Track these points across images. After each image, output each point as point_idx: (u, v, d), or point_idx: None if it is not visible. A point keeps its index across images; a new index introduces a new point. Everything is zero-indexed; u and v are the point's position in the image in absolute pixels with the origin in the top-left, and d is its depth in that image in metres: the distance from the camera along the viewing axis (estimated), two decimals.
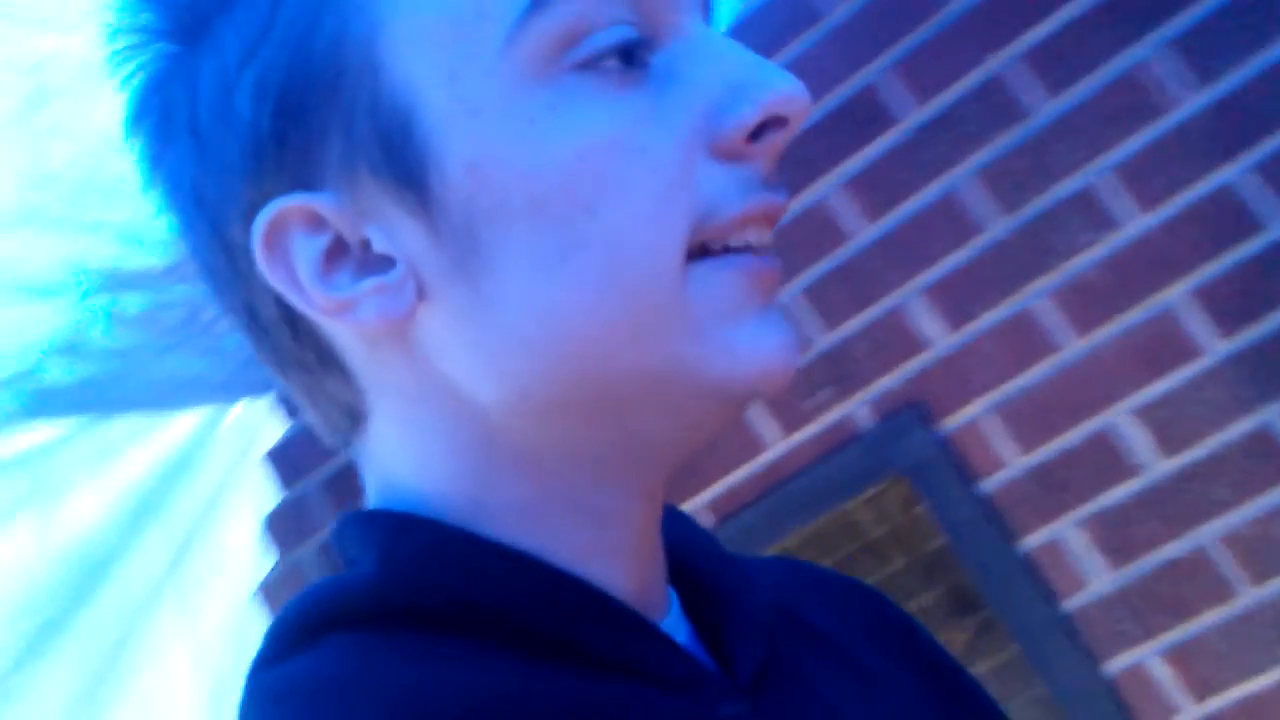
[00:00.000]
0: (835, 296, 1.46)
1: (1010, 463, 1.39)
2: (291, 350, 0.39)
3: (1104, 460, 1.35)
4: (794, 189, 1.48)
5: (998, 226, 1.39)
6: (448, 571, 0.37)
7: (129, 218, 0.85)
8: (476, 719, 0.34)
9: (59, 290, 0.90)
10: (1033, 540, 1.38)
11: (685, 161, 0.36)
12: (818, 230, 1.47)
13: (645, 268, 0.35)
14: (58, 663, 1.39)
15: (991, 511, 1.39)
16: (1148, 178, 1.33)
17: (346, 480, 1.64)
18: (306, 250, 0.36)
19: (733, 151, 0.37)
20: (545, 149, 0.35)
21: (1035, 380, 1.38)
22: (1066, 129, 1.36)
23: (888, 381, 1.44)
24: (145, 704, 1.45)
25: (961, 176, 1.40)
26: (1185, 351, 1.31)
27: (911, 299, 1.43)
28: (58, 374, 1.05)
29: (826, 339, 1.46)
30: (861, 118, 1.45)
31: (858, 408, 1.45)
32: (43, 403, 1.11)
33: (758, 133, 0.37)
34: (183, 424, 1.53)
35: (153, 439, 1.51)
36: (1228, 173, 1.30)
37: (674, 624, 0.41)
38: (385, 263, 0.37)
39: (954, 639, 2.10)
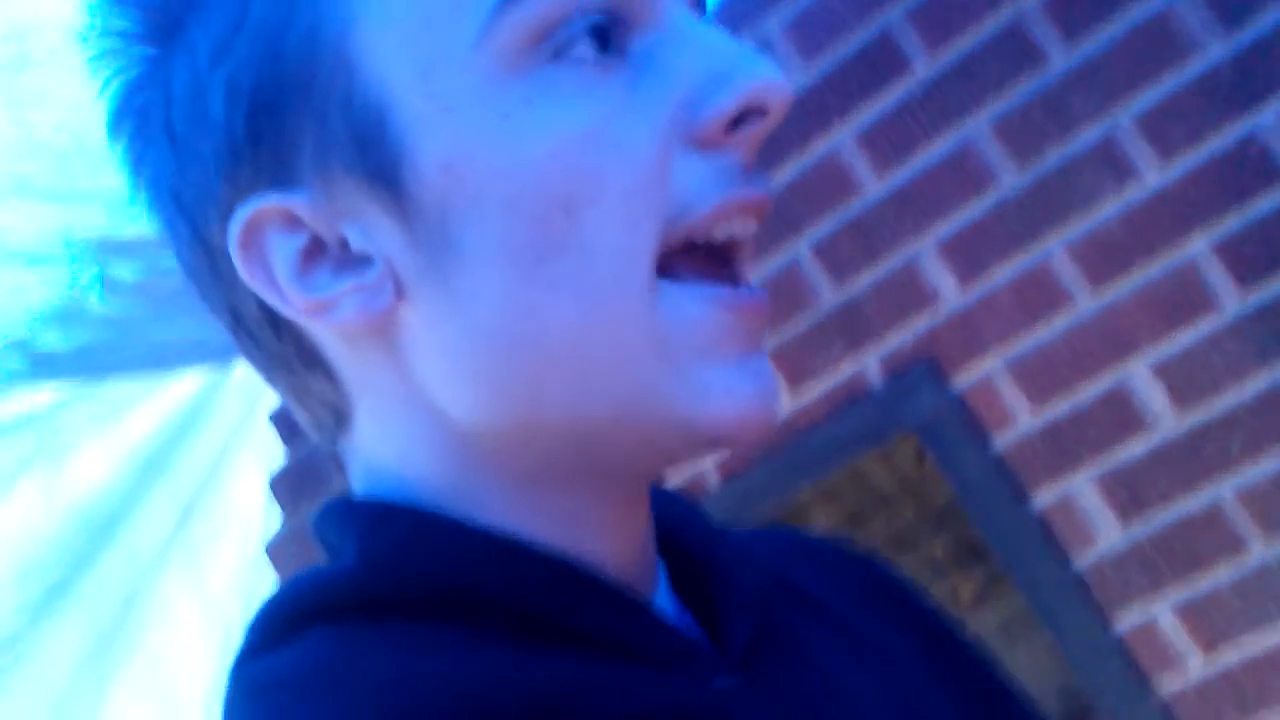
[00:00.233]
0: (846, 251, 1.43)
1: (1022, 419, 1.37)
2: (275, 351, 0.39)
3: (1118, 417, 1.33)
4: (805, 140, 1.44)
5: (1013, 178, 1.36)
6: (429, 558, 0.36)
7: (118, 185, 0.83)
8: (462, 707, 0.33)
9: (50, 259, 0.88)
10: (1044, 497, 1.37)
11: (661, 155, 0.35)
12: (828, 183, 1.44)
13: (615, 271, 0.35)
14: (66, 624, 1.40)
15: (1003, 469, 1.38)
16: (1169, 127, 1.29)
17: None
18: (283, 250, 0.36)
19: (711, 142, 0.36)
20: (519, 145, 0.34)
21: (1049, 336, 1.35)
22: (1086, 77, 1.32)
23: (899, 337, 1.42)
24: (154, 663, 1.46)
25: (977, 127, 1.37)
26: (1203, 306, 1.29)
27: (924, 253, 1.40)
28: (53, 341, 1.04)
29: (837, 294, 1.44)
30: (874, 67, 1.41)
31: (868, 364, 1.43)
32: (40, 368, 1.10)
33: (737, 122, 0.36)
34: (187, 383, 1.51)
35: (157, 399, 1.50)
36: (1252, 123, 1.26)
37: (662, 600, 0.41)
38: (363, 262, 0.36)
39: (962, 589, 2.11)
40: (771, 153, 1.44)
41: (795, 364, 1.45)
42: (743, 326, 0.37)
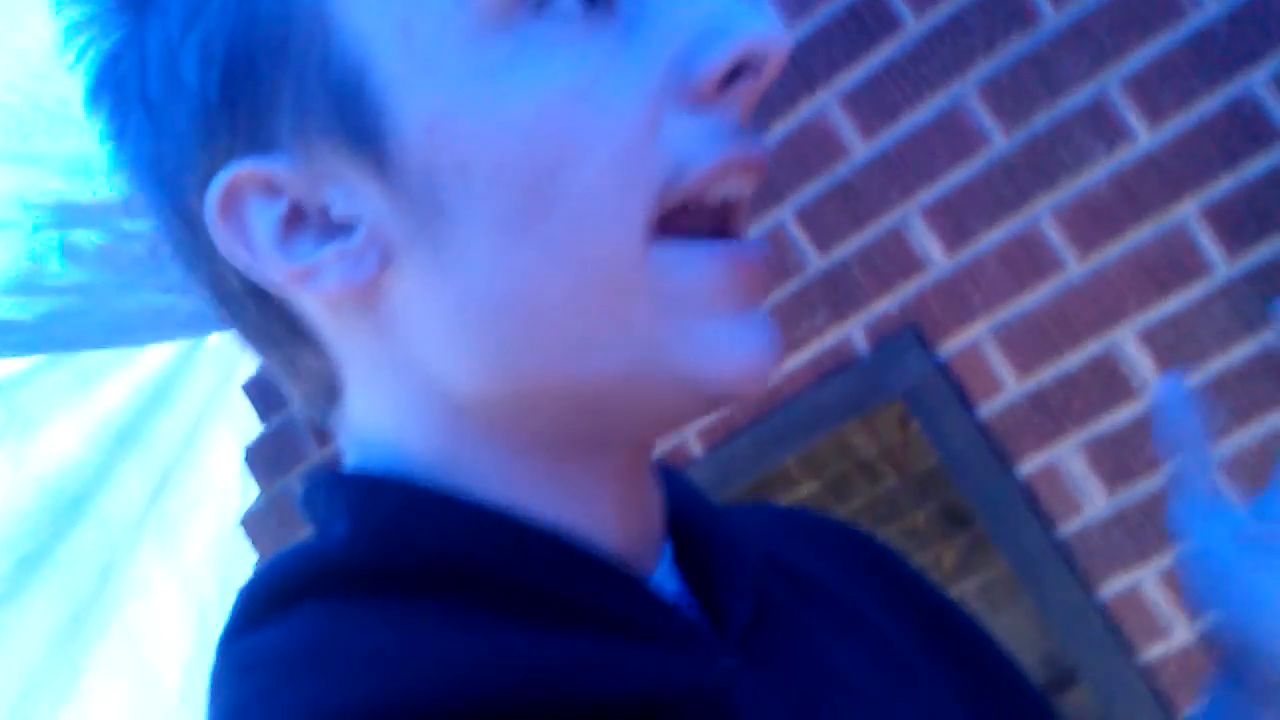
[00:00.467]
0: (831, 216, 1.41)
1: (1009, 387, 1.36)
2: (261, 324, 0.38)
3: (1105, 383, 1.32)
4: (790, 103, 1.41)
5: (1002, 142, 1.33)
6: (422, 532, 0.36)
7: (74, 147, 0.80)
8: (455, 683, 0.33)
9: (6, 224, 0.85)
10: (1030, 464, 1.36)
11: (652, 114, 0.34)
12: (813, 146, 1.41)
13: (607, 235, 0.34)
14: (39, 598, 1.38)
15: (989, 436, 1.37)
16: (1160, 89, 1.27)
17: None
18: (263, 218, 0.35)
19: (705, 99, 0.35)
20: (505, 105, 0.33)
21: (1037, 302, 1.34)
22: (1076, 38, 1.29)
23: (884, 304, 1.40)
24: (130, 638, 1.44)
25: (965, 89, 1.34)
26: (1192, 271, 1.27)
27: (911, 218, 1.38)
28: (14, 312, 1.00)
29: (821, 260, 1.42)
30: (860, 27, 1.38)
31: (853, 331, 1.41)
32: (3, 339, 1.07)
33: (730, 78, 0.35)
34: (159, 353, 1.48)
35: (129, 369, 1.47)
36: (1245, 83, 1.24)
37: (664, 577, 0.40)
38: (346, 228, 0.36)
39: (945, 556, 2.11)
40: (755, 116, 1.41)
41: (780, 331, 1.43)
42: (742, 281, 0.36)
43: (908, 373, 1.38)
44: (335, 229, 0.36)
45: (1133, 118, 1.29)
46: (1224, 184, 1.25)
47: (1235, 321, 1.26)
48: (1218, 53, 1.24)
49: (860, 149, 1.39)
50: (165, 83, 0.36)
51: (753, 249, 0.37)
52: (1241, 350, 1.26)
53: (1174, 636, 1.31)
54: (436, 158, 0.34)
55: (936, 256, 1.37)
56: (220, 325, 1.53)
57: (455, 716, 0.32)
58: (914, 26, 1.36)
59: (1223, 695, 0.45)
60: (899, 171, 1.38)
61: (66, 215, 0.90)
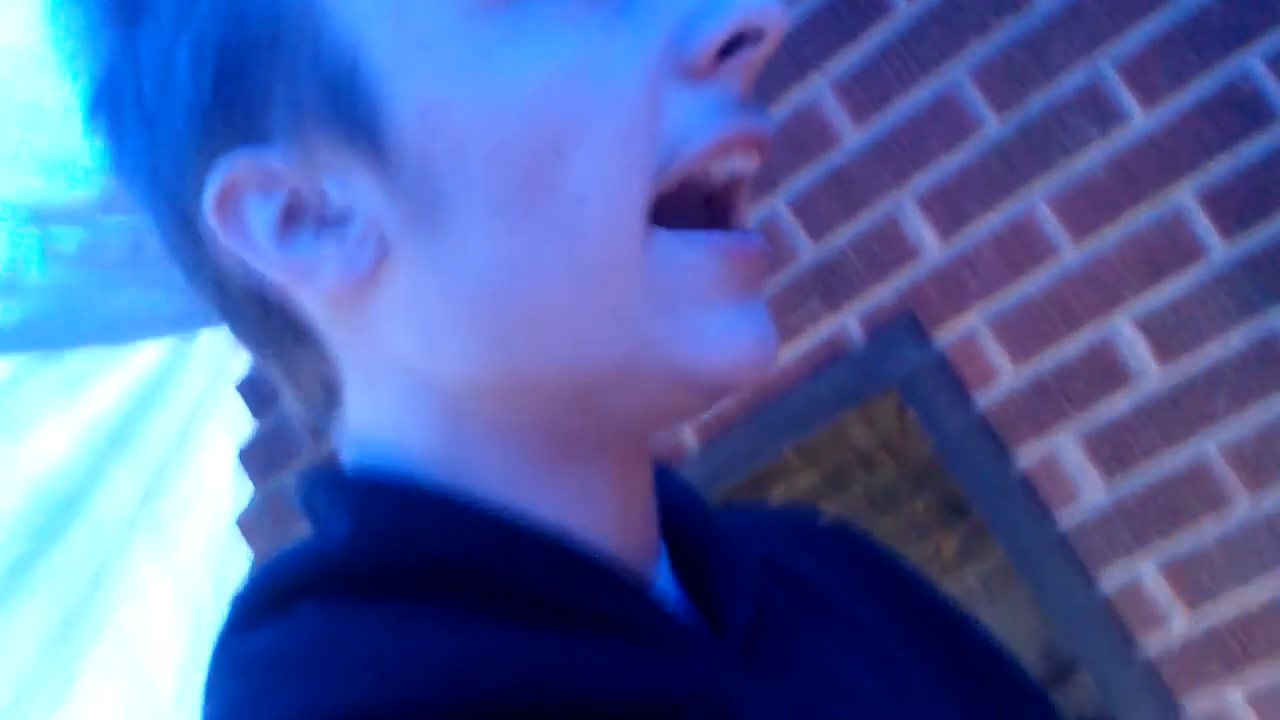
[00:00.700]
0: (824, 204, 1.40)
1: (1005, 375, 1.34)
2: (263, 324, 0.38)
3: (1102, 371, 1.30)
4: (781, 89, 1.40)
5: (995, 126, 1.32)
6: (422, 534, 0.36)
7: (50, 144, 0.78)
8: (452, 685, 0.33)
9: None
10: (1027, 454, 1.34)
11: (652, 90, 0.34)
12: (806, 133, 1.39)
13: (608, 217, 0.33)
14: (31, 601, 1.37)
15: (985, 426, 1.35)
16: (1155, 71, 1.25)
17: None
18: (261, 212, 0.35)
19: (703, 73, 0.34)
20: (501, 86, 0.33)
21: (1033, 289, 1.32)
22: (1069, 20, 1.27)
23: (879, 293, 1.38)
24: (123, 640, 1.43)
25: (958, 74, 1.32)
26: (1189, 256, 1.26)
27: (905, 206, 1.36)
28: None
29: (815, 250, 1.40)
30: (852, 11, 1.36)
31: (848, 321, 1.40)
32: None
33: (729, 50, 0.34)
34: (149, 354, 1.47)
35: (119, 370, 1.46)
36: (1240, 65, 1.22)
37: (664, 581, 0.40)
38: (344, 220, 0.35)
39: (945, 546, 2.10)
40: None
41: (774, 322, 1.41)
42: (740, 272, 0.36)
43: (903, 362, 1.37)
44: (334, 221, 0.35)
45: (1128, 100, 1.27)
46: (1220, 167, 1.24)
47: (1233, 307, 1.25)
48: (1213, 33, 1.23)
49: (853, 136, 1.38)
50: (160, 89, 0.36)
51: (750, 240, 0.36)
52: (1240, 336, 1.25)
53: (1174, 628, 1.29)
54: (432, 143, 0.33)
55: (931, 244, 1.36)
56: (211, 322, 1.52)
57: (453, 719, 0.32)
58: (906, 9, 1.34)
59: None
60: (893, 158, 1.36)
61: (45, 215, 0.89)
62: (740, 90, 0.35)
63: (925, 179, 1.35)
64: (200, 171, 0.36)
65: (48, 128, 0.76)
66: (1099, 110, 1.28)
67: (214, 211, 0.35)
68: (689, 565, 0.42)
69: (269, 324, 0.38)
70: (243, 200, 0.35)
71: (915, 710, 0.44)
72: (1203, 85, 1.24)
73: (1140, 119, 1.26)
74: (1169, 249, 1.27)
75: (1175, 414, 1.28)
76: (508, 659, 0.34)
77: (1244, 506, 1.26)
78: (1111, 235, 1.29)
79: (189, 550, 1.53)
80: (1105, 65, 1.27)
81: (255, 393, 1.62)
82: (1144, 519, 1.30)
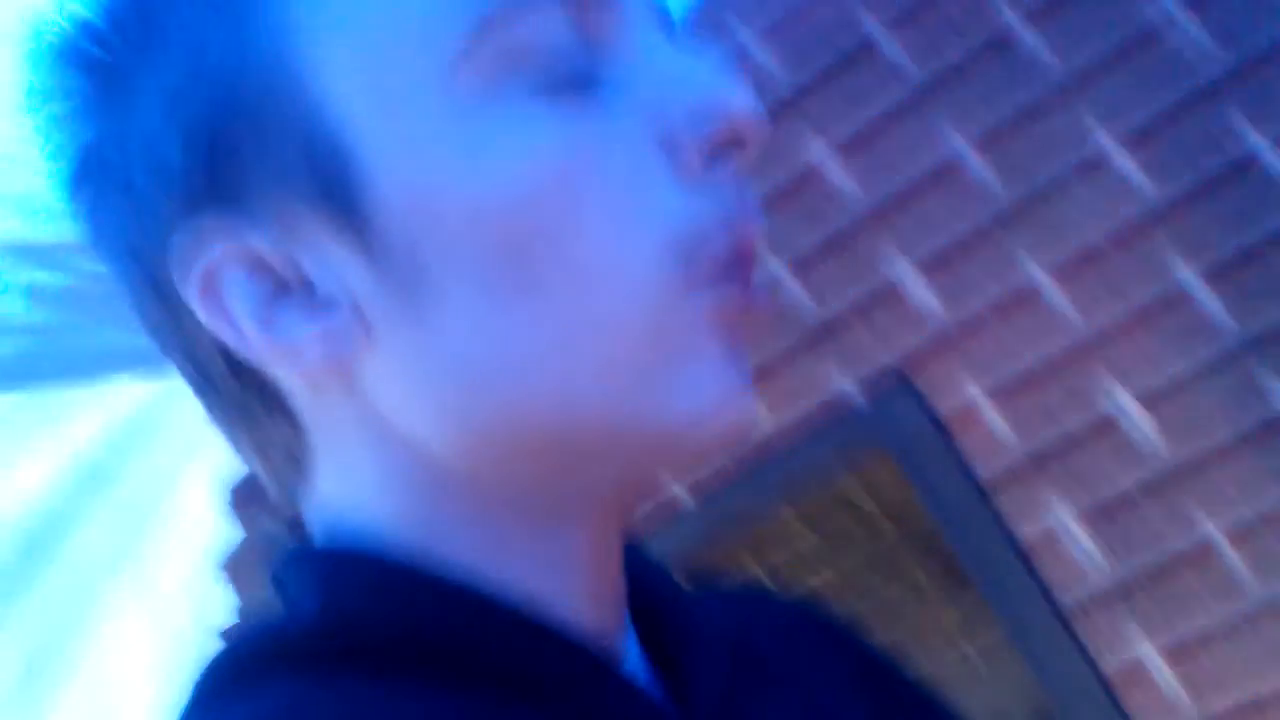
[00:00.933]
0: (826, 267, 1.38)
1: (1006, 445, 1.31)
2: (238, 400, 0.38)
3: (1105, 445, 1.27)
4: (785, 152, 1.38)
5: (999, 192, 1.30)
6: (392, 611, 0.36)
7: (27, 188, 0.77)
8: None
9: None
10: (1028, 528, 1.31)
11: (644, 186, 0.35)
12: (807, 195, 1.38)
13: (622, 297, 0.34)
14: (6, 638, 1.35)
15: (984, 496, 1.32)
16: (1160, 143, 1.23)
17: None
18: (245, 294, 0.36)
19: (692, 173, 0.35)
20: (492, 178, 0.34)
21: (1035, 358, 1.29)
22: (1075, 89, 1.26)
23: (879, 356, 1.36)
24: (100, 676, 1.41)
25: (962, 140, 1.31)
26: (1196, 330, 1.23)
27: (906, 270, 1.34)
28: None
29: (816, 312, 1.38)
30: (856, 74, 1.35)
31: (846, 385, 1.37)
32: None
33: (716, 152, 0.35)
34: (131, 391, 1.46)
35: (100, 408, 1.44)
36: (1248, 142, 1.20)
37: (633, 662, 0.40)
38: (329, 302, 0.36)
39: (947, 618, 2.04)
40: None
41: (773, 383, 1.39)
42: (730, 323, 0.36)
43: (901, 428, 1.34)
44: (318, 304, 0.36)
45: (1133, 171, 1.25)
46: (1228, 243, 1.21)
47: (1239, 385, 1.22)
48: (1221, 109, 1.21)
49: (855, 198, 1.36)
50: (148, 168, 0.36)
51: (753, 294, 0.36)
52: (1248, 415, 1.21)
53: (1180, 712, 1.25)
54: (421, 231, 0.34)
55: (933, 309, 1.33)
56: None
57: None
58: (910, 73, 1.33)
59: None
60: (894, 221, 1.34)
61: (26, 257, 0.88)
62: (731, 185, 0.36)
63: (927, 243, 1.33)
64: (185, 249, 0.36)
65: (24, 173, 0.75)
66: (1103, 180, 1.26)
67: (197, 291, 0.36)
68: (656, 642, 0.42)
69: (244, 397, 0.38)
70: (226, 281, 0.36)
71: None
72: (1210, 159, 1.21)
73: (1145, 190, 1.24)
74: (1174, 323, 1.24)
75: (1180, 492, 1.24)
76: None
77: (1251, 591, 1.22)
78: (1115, 308, 1.26)
79: (167, 590, 1.51)
80: (1110, 136, 1.25)
81: None
82: (1147, 600, 1.26)
